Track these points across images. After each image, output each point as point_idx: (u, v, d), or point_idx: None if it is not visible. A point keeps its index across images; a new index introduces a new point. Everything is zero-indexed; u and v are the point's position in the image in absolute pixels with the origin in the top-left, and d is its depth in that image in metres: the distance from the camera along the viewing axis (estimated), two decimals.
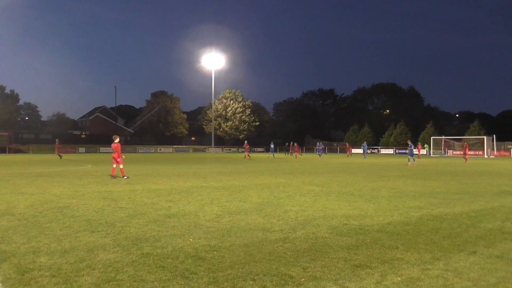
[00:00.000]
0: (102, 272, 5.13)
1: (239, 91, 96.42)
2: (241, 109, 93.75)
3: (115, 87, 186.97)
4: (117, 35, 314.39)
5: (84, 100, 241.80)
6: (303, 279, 4.91)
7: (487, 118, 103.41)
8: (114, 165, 18.32)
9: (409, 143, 33.07)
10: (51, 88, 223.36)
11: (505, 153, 66.17)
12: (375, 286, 4.73)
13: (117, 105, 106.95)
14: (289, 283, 4.78)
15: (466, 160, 38.69)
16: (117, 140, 18.35)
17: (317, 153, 57.41)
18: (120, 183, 16.09)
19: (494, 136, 63.85)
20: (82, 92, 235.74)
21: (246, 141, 50.61)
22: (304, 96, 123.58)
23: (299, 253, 6.06)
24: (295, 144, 55.27)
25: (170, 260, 5.64)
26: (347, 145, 60.41)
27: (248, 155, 46.23)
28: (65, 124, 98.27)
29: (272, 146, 54.24)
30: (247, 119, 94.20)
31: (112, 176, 18.09)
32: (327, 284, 4.75)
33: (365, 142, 55.41)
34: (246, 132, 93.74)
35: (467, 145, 38.88)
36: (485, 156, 59.92)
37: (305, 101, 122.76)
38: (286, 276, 5.02)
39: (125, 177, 17.81)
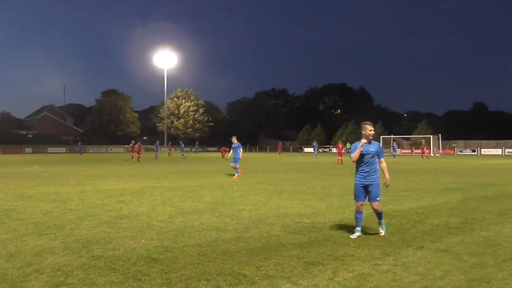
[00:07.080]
0: (51, 276, 4.96)
1: (191, 90, 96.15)
2: (194, 108, 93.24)
3: (64, 85, 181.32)
4: (67, 31, 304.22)
5: (31, 99, 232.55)
6: (256, 278, 4.94)
7: (433, 118, 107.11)
8: None
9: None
10: None
11: (450, 151, 68.90)
12: (327, 282, 4.80)
13: (66, 104, 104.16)
14: (243, 282, 4.80)
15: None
16: None
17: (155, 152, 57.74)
18: (69, 184, 15.63)
19: (440, 135, 66.35)
20: (29, 91, 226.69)
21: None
22: (257, 96, 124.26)
23: (252, 252, 6.08)
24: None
25: (122, 262, 5.53)
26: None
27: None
28: (10, 123, 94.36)
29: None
30: (201, 118, 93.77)
31: None
32: (281, 282, 4.79)
33: (315, 141, 56.12)
34: (200, 132, 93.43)
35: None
36: (431, 154, 62.15)
37: (258, 100, 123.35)
38: (240, 275, 5.03)
39: None
